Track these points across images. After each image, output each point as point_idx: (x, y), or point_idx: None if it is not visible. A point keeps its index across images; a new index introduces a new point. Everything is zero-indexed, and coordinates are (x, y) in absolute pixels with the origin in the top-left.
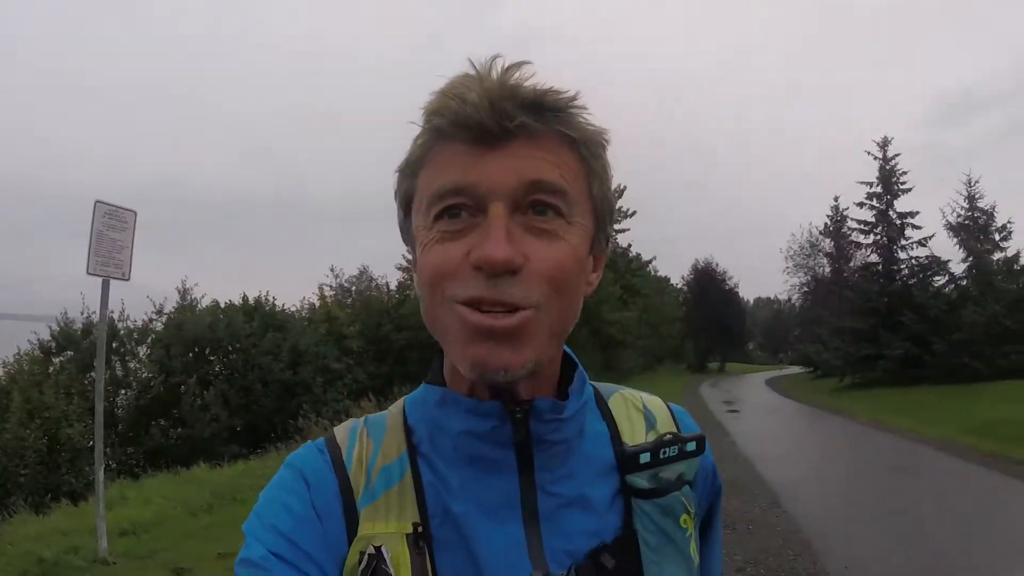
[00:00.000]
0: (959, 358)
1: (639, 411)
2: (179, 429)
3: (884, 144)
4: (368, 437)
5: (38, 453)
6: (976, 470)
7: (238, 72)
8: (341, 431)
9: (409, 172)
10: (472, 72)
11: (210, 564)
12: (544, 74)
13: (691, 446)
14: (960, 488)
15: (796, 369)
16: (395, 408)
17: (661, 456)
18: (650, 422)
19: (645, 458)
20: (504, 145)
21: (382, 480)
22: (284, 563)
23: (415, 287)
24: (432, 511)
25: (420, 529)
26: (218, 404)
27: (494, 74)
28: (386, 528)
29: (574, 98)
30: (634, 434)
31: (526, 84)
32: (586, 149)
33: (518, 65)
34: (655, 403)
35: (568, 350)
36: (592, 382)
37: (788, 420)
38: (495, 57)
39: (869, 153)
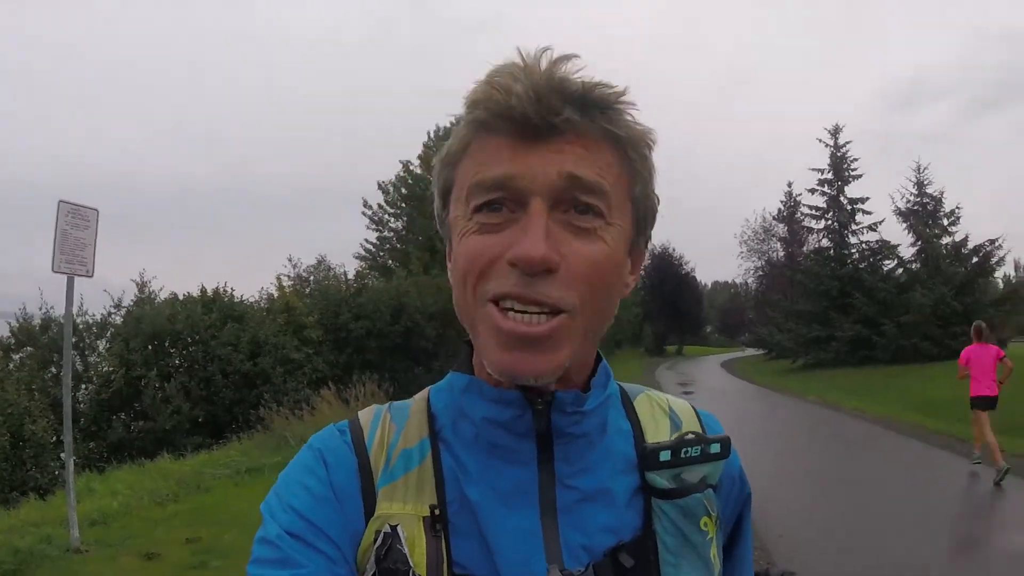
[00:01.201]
0: (908, 339)
1: (664, 412)
2: (141, 422)
3: (835, 132)
4: (391, 421)
5: (2, 450)
6: (918, 446)
7: (177, 56)
8: (365, 414)
9: (449, 162)
10: (519, 62)
11: (178, 548)
12: (594, 68)
13: (715, 448)
14: (900, 462)
15: (752, 352)
16: (420, 395)
17: (682, 455)
18: (675, 424)
19: (665, 456)
20: (547, 140)
21: (402, 462)
22: (299, 541)
23: (449, 276)
24: (450, 496)
25: (437, 512)
26: (179, 396)
27: (542, 65)
28: (403, 509)
29: (622, 94)
30: (658, 434)
31: (574, 78)
32: (632, 149)
33: (567, 58)
34: (682, 406)
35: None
36: (619, 381)
37: (740, 400)
38: (545, 49)
39: (820, 140)
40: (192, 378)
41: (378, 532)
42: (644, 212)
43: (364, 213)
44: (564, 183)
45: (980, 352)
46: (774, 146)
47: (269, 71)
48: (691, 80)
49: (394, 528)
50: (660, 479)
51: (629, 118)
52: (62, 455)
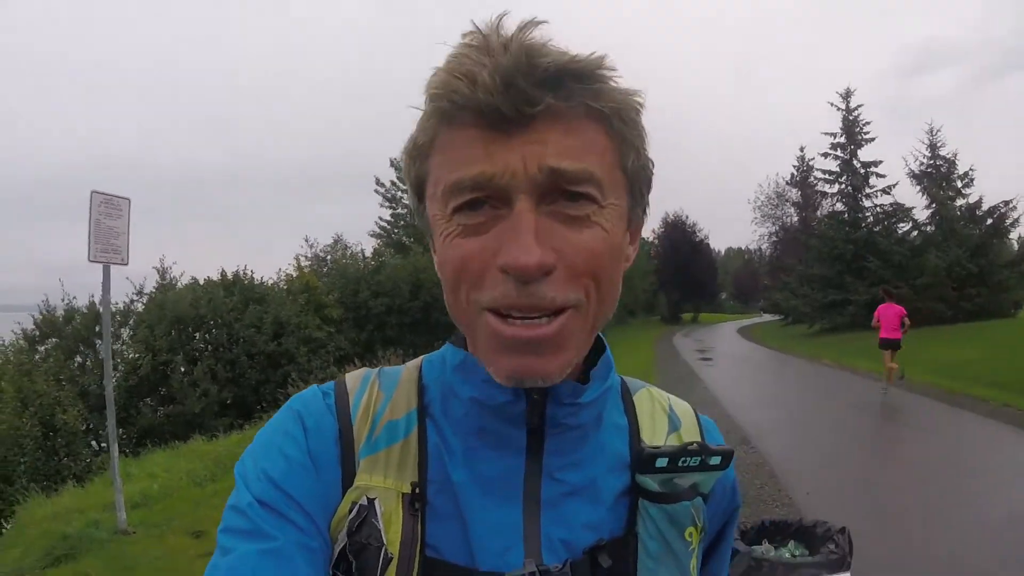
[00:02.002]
0: (923, 302)
1: (664, 412)
2: (169, 406)
3: (847, 95)
4: (379, 388)
5: (35, 440)
6: (936, 406)
7: (188, 43)
8: (353, 377)
9: (417, 155)
10: (478, 38)
11: None
12: (559, 29)
13: (715, 459)
14: (919, 423)
15: (769, 317)
16: (412, 364)
17: (680, 464)
18: (674, 425)
19: (662, 462)
20: (522, 130)
21: (386, 434)
22: (270, 511)
23: (437, 268)
24: (432, 476)
25: (417, 491)
26: (206, 379)
27: (502, 37)
28: (383, 483)
29: (600, 63)
30: (655, 434)
31: (544, 53)
32: (618, 120)
33: (532, 24)
34: (683, 408)
35: (599, 333)
36: (621, 375)
37: (758, 366)
38: (502, 16)
39: (832, 104)
40: (218, 361)
41: (354, 503)
42: (639, 182)
43: (377, 191)
44: (547, 177)
45: (887, 310)
46: (787, 112)
47: (280, 53)
48: (705, 49)
49: (371, 501)
50: (650, 482)
51: (612, 85)
52: (94, 443)
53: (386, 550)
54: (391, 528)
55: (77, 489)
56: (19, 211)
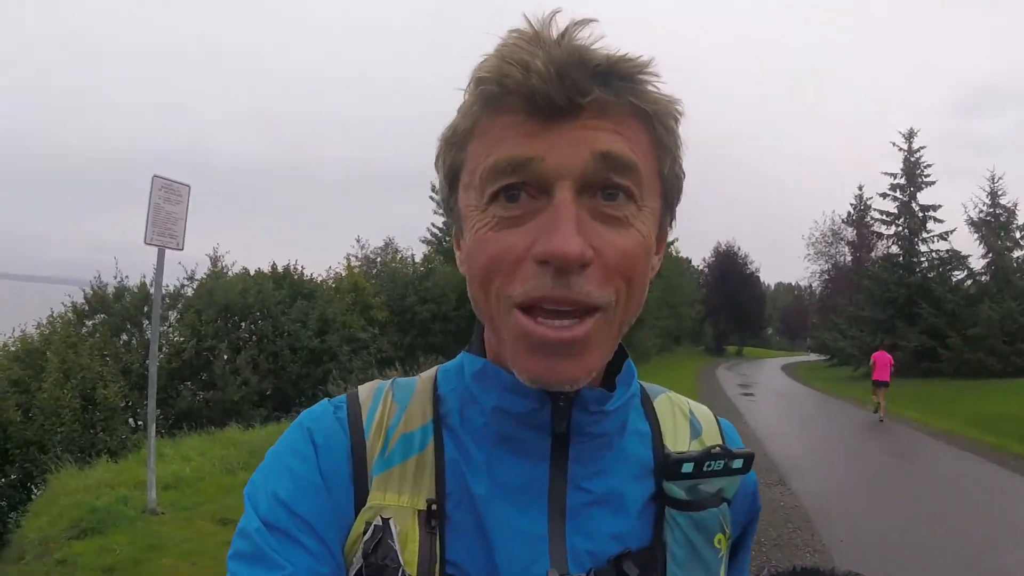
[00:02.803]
0: (973, 353)
1: (685, 417)
2: (209, 392)
3: (909, 136)
4: (393, 400)
5: (73, 412)
6: (977, 461)
7: (254, 37)
8: (365, 390)
9: (456, 142)
10: (529, 31)
11: None
12: (610, 31)
13: (738, 463)
14: (959, 477)
15: (815, 357)
16: (427, 374)
17: (705, 468)
18: (695, 430)
19: (688, 467)
20: (571, 117)
21: (400, 448)
22: (279, 535)
23: (460, 265)
24: (450, 489)
25: (434, 507)
26: (248, 369)
27: (554, 32)
28: (398, 501)
29: (647, 65)
30: (677, 439)
31: (595, 48)
32: (659, 123)
33: (584, 23)
34: (703, 412)
35: None
36: (640, 381)
37: (800, 406)
38: (555, 12)
39: (894, 144)
40: (261, 351)
41: (368, 524)
42: (672, 189)
43: (431, 198)
44: (596, 164)
45: (881, 356)
46: (846, 149)
47: (344, 52)
48: (762, 78)
49: (386, 521)
50: (677, 489)
51: (655, 89)
52: (130, 420)
53: (403, 571)
54: (408, 548)
55: (111, 464)
56: (80, 190)
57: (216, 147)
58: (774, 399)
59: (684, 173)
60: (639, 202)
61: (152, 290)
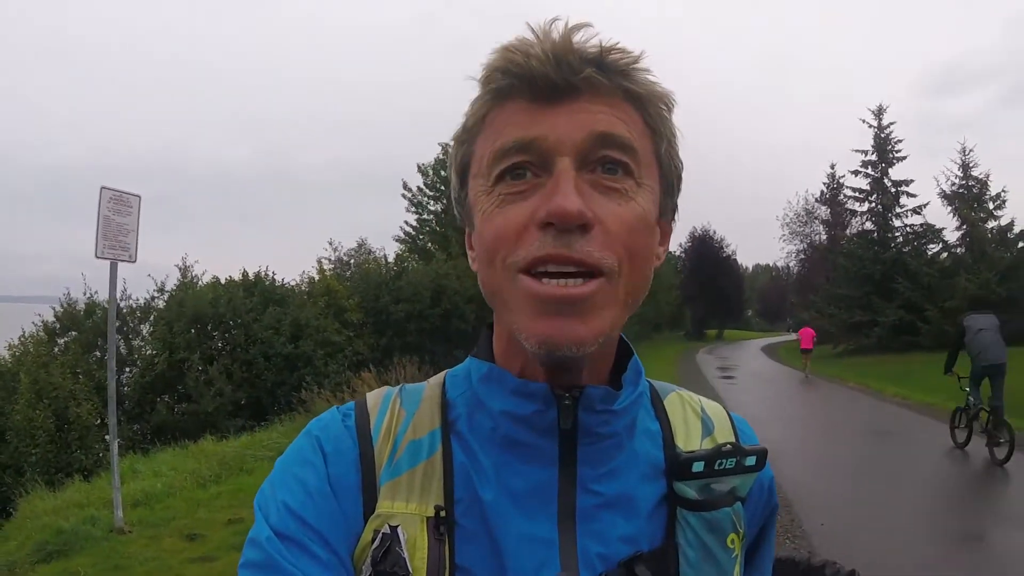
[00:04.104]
0: (952, 325)
1: (697, 415)
2: (184, 404)
3: (879, 112)
4: (401, 406)
5: (48, 432)
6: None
7: (223, 39)
8: (373, 397)
9: (466, 138)
10: (531, 35)
11: (220, 529)
12: (607, 38)
13: (750, 460)
14: (946, 455)
15: (794, 336)
16: (435, 380)
17: (716, 467)
18: (707, 428)
19: (699, 467)
20: (569, 100)
21: (409, 455)
22: (290, 544)
23: (472, 263)
24: (459, 495)
25: (443, 514)
26: (222, 379)
27: (554, 33)
28: (406, 508)
29: (638, 58)
30: (688, 438)
31: (591, 42)
32: (652, 107)
33: (580, 26)
34: (715, 409)
35: (623, 336)
36: (649, 379)
37: (780, 386)
38: (554, 19)
39: (864, 121)
40: (234, 361)
41: (376, 532)
42: (671, 174)
43: (404, 196)
44: (591, 140)
45: (805, 331)
46: (816, 129)
47: (310, 56)
48: (733, 62)
49: (394, 529)
50: (688, 489)
51: (649, 79)
52: (106, 437)
53: None
54: (416, 555)
55: (82, 484)
56: (52, 204)
57: (189, 154)
58: (754, 382)
59: (682, 162)
60: (638, 179)
61: (108, 305)
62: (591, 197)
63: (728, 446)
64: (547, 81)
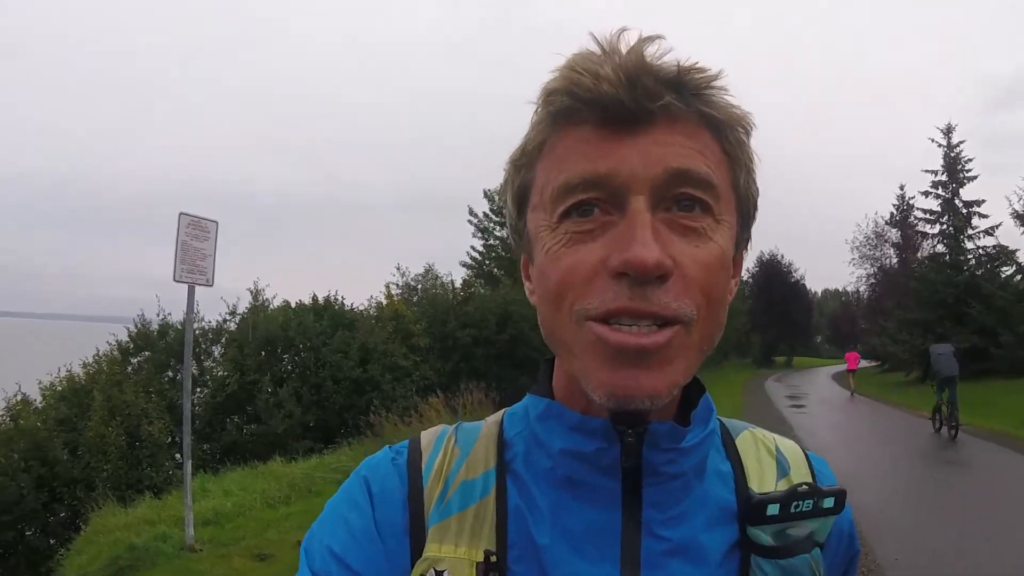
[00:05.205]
0: None
1: (771, 454)
2: (253, 425)
3: (948, 131)
4: (456, 445)
5: (119, 449)
6: None
7: (286, 68)
8: (428, 435)
9: (525, 162)
10: (597, 49)
11: (290, 550)
12: (681, 51)
13: (828, 502)
14: (1017, 484)
15: (865, 363)
16: (493, 418)
17: (792, 510)
18: (783, 468)
19: (774, 509)
20: (642, 129)
21: (460, 496)
22: None
23: (530, 296)
24: (512, 539)
25: (494, 559)
26: (291, 401)
27: (623, 47)
28: (455, 552)
29: (717, 77)
30: (763, 480)
31: (666, 59)
32: (731, 134)
33: (651, 39)
34: (790, 448)
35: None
36: (720, 417)
37: (851, 415)
38: (622, 30)
39: (933, 140)
40: (304, 383)
41: None
42: (748, 205)
43: (470, 221)
44: (668, 177)
45: (850, 355)
46: (886, 149)
47: (377, 77)
48: (798, 83)
49: (440, 574)
50: (763, 534)
51: (726, 102)
52: (177, 456)
53: None
54: None
55: (153, 501)
56: (126, 226)
57: (258, 182)
58: (825, 410)
59: (758, 190)
60: (717, 215)
61: (184, 326)
62: (667, 240)
63: (804, 487)
64: (620, 108)
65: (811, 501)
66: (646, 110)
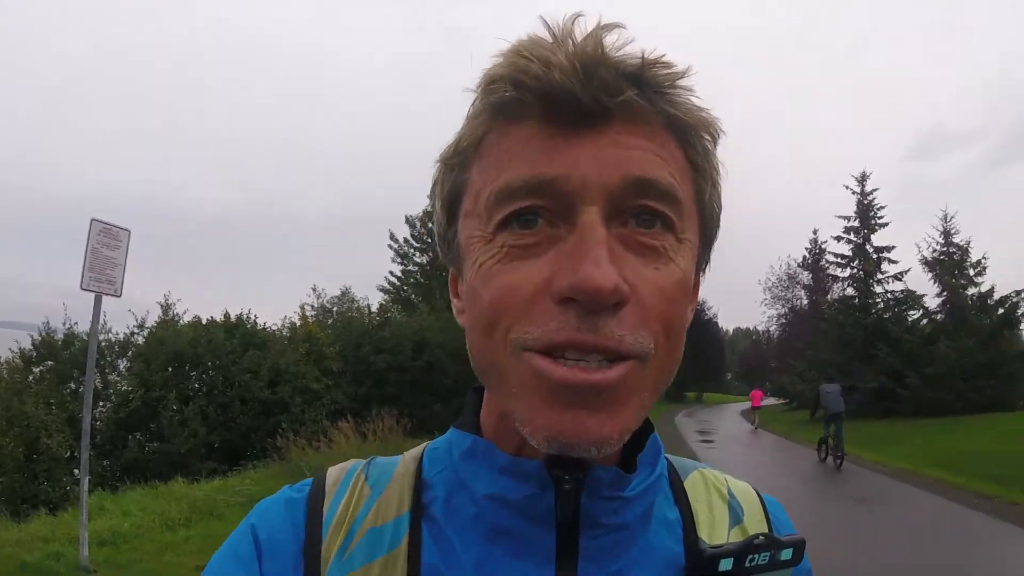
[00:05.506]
0: (932, 392)
1: (723, 499)
2: (156, 443)
3: (862, 179)
4: (365, 483)
5: (16, 461)
6: (942, 502)
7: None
8: (335, 472)
9: (458, 161)
10: (547, 35)
11: (188, 574)
12: (642, 43)
13: (786, 553)
14: (927, 521)
15: (774, 400)
16: (411, 453)
17: (748, 563)
18: (736, 514)
19: (727, 564)
20: (598, 128)
21: (366, 546)
22: None
23: (458, 316)
24: None
25: None
26: (196, 420)
27: (579, 35)
28: None
29: (684, 74)
30: (714, 528)
31: (627, 51)
32: (698, 141)
33: (611, 27)
34: (743, 491)
35: None
36: (668, 455)
37: (760, 451)
38: (577, 15)
39: (847, 187)
40: (210, 403)
41: None
42: (712, 225)
43: (390, 246)
44: (628, 188)
45: (755, 392)
46: (799, 193)
47: (302, 100)
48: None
49: None
50: None
51: (693, 103)
52: (75, 471)
53: None
54: None
55: (48, 517)
56: (38, 233)
57: (177, 194)
58: (734, 445)
59: (721, 205)
60: (679, 234)
61: (89, 337)
62: (623, 260)
63: (761, 538)
64: (573, 102)
65: (768, 554)
66: (603, 106)
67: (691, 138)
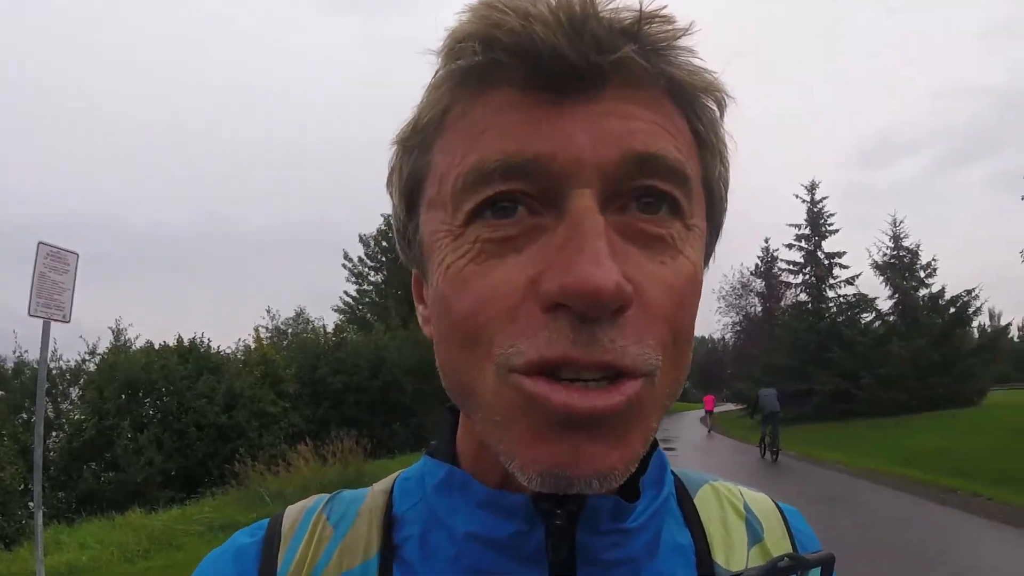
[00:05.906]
0: (887, 392)
1: (739, 515)
2: (112, 473)
3: (812, 187)
4: (327, 523)
5: None
6: (908, 498)
7: (156, 101)
8: (294, 513)
9: (417, 142)
10: None
11: None
12: None
13: (814, 575)
14: (888, 516)
15: (732, 406)
16: (380, 486)
17: None
18: (754, 532)
19: None
20: (591, 95)
21: None
22: None
23: (423, 325)
24: None
25: None
26: (152, 448)
27: None
28: None
29: (687, 31)
30: (730, 548)
31: (622, 3)
32: (704, 112)
33: None
34: (761, 504)
35: None
36: (675, 470)
37: (722, 456)
38: None
39: (797, 196)
40: (166, 429)
41: None
42: (720, 207)
43: (344, 266)
44: (629, 165)
45: (708, 397)
46: (750, 202)
47: (252, 118)
48: None
49: None
50: None
51: (696, 65)
52: (30, 504)
53: None
54: None
55: (3, 553)
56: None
57: (123, 215)
58: (695, 452)
59: (728, 185)
60: (687, 220)
61: (37, 366)
62: (624, 253)
63: (786, 560)
64: (559, 62)
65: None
66: (597, 67)
67: (696, 106)
